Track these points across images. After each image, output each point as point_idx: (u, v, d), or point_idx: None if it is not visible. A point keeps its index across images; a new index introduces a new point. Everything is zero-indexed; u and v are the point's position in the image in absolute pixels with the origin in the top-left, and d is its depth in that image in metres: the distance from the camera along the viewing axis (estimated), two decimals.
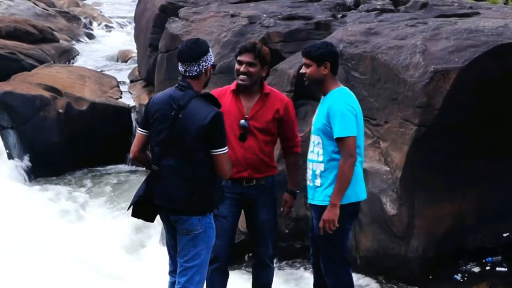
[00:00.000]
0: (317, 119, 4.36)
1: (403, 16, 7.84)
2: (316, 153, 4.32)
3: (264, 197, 4.69)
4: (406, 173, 6.24)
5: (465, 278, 6.27)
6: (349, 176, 4.23)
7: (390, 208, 6.24)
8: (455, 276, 6.35)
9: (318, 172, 4.30)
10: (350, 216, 4.48)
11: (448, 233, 6.46)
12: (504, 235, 6.52)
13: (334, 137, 4.22)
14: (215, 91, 4.56)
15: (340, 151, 4.23)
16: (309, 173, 4.38)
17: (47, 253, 6.71)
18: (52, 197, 8.32)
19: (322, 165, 4.29)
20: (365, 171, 6.28)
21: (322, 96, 4.46)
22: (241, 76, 4.55)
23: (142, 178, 9.40)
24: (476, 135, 6.35)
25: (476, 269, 6.35)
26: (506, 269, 6.30)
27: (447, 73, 6.14)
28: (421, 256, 6.32)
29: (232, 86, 4.64)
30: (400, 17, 7.84)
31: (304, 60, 4.40)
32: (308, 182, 4.45)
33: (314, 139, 4.35)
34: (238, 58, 4.59)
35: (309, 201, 4.44)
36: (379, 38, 6.88)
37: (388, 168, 6.32)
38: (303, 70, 4.41)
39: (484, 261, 6.38)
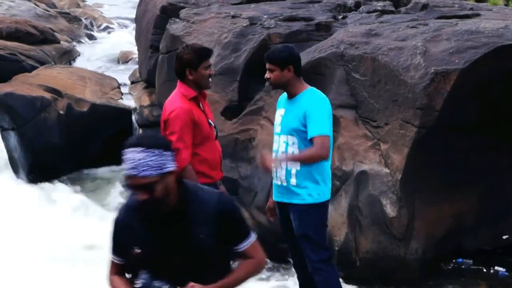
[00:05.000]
0: (290, 120, 4.36)
1: (404, 18, 7.87)
2: (291, 153, 4.34)
3: None
4: (406, 175, 6.26)
5: (463, 279, 6.33)
6: (313, 157, 4.31)
7: (390, 210, 6.26)
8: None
9: (293, 171, 4.34)
10: (327, 212, 4.57)
11: (448, 235, 6.49)
12: (504, 237, 6.57)
13: (311, 135, 4.25)
14: (186, 109, 4.36)
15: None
16: (281, 173, 4.39)
17: (47, 254, 6.75)
18: (52, 198, 8.36)
19: (298, 164, 4.32)
20: (365, 173, 6.39)
21: (287, 98, 4.46)
22: (210, 79, 4.52)
23: None
24: (476, 136, 6.38)
25: (474, 271, 6.41)
26: (504, 269, 6.37)
27: (448, 75, 6.16)
28: (420, 258, 6.35)
29: (189, 94, 4.44)
30: (400, 18, 7.87)
31: (267, 65, 4.39)
32: (278, 182, 4.46)
33: (286, 139, 4.37)
34: (207, 63, 4.46)
35: (286, 200, 4.44)
36: (379, 39, 6.91)
37: (388, 170, 6.33)
38: (267, 75, 4.40)
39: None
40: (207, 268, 2.87)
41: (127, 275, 3.03)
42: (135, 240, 2.87)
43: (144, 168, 2.69)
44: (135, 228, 2.87)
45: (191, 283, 2.79)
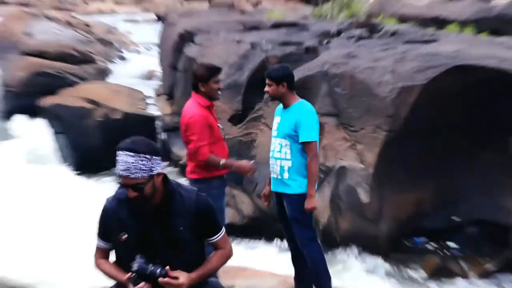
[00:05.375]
0: (284, 126, 4.39)
1: (377, 42, 7.86)
2: (284, 153, 4.37)
3: None
4: (377, 170, 6.33)
5: (421, 253, 6.38)
6: (317, 171, 4.35)
7: (364, 197, 6.32)
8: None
9: (286, 167, 4.36)
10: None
11: (410, 218, 6.56)
12: (452, 217, 6.62)
13: (302, 140, 4.28)
14: (203, 115, 4.40)
15: (306, 152, 4.31)
16: (276, 168, 4.42)
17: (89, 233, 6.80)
18: (94, 188, 8.32)
19: (290, 162, 4.34)
20: (344, 168, 6.45)
21: (282, 108, 4.48)
22: (219, 91, 4.53)
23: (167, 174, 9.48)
24: (434, 139, 6.43)
25: (430, 247, 6.45)
26: (458, 247, 6.41)
27: (412, 89, 6.20)
28: (388, 236, 6.43)
29: (204, 103, 4.47)
30: (374, 43, 7.87)
31: (266, 81, 4.41)
32: (274, 175, 4.47)
33: (281, 141, 4.39)
34: (216, 78, 4.46)
35: (281, 190, 4.45)
36: (357, 60, 6.93)
37: (363, 166, 6.39)
38: (266, 89, 4.44)
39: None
40: (186, 257, 2.76)
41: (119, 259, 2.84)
42: (124, 229, 2.72)
43: (135, 171, 2.58)
44: (124, 218, 2.73)
45: (179, 270, 2.69)
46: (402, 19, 11.08)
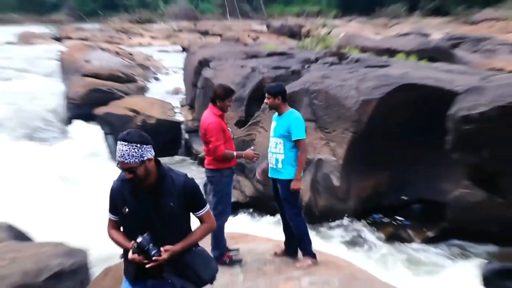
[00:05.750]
0: (279, 129, 4.30)
1: (345, 67, 7.86)
2: (279, 149, 4.28)
3: None
4: (345, 161, 6.31)
5: (379, 224, 6.32)
6: (304, 162, 4.29)
7: (336, 182, 6.28)
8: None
9: (280, 160, 4.28)
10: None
11: (370, 197, 6.51)
12: (403, 197, 6.57)
13: (295, 138, 4.19)
14: (218, 122, 4.28)
15: (297, 148, 4.24)
16: (272, 160, 4.33)
17: None
18: None
19: (283, 156, 4.26)
20: (321, 160, 6.39)
21: (277, 115, 4.39)
22: (229, 107, 4.41)
23: (189, 165, 9.40)
24: (388, 139, 6.39)
25: (386, 220, 6.40)
26: (405, 219, 6.35)
27: (370, 102, 6.20)
28: (354, 211, 6.39)
29: (217, 113, 4.33)
30: (342, 67, 7.86)
31: (266, 95, 4.33)
32: (271, 165, 4.37)
33: (276, 140, 4.30)
34: (230, 99, 4.36)
35: (276, 176, 4.35)
36: (330, 80, 6.93)
37: (334, 158, 6.37)
38: (266, 101, 4.35)
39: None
40: (175, 228, 2.54)
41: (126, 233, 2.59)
42: (126, 204, 2.52)
43: (128, 157, 2.41)
44: (126, 195, 2.53)
45: (167, 247, 2.46)
46: (363, 49, 11.19)
